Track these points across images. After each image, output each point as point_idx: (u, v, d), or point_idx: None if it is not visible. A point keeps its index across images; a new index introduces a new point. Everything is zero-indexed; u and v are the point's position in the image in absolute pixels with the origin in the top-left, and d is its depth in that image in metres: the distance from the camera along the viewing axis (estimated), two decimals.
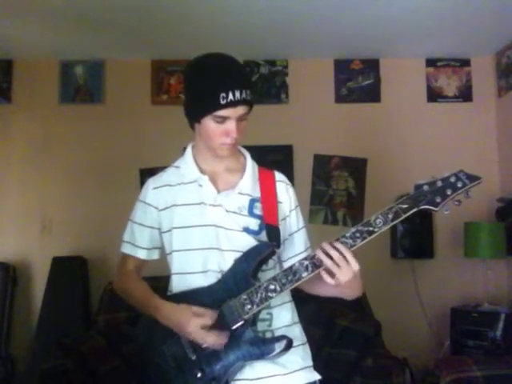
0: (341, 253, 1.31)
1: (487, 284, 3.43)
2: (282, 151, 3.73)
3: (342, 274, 1.30)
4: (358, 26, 3.32)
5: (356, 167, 3.84)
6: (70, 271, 3.52)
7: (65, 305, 3.43)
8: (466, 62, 3.94)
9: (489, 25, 3.33)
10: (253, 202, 1.49)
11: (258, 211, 1.48)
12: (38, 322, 3.44)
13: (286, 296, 1.50)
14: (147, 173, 3.72)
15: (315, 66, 3.90)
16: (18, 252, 3.67)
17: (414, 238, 3.59)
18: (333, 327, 2.94)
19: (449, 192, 1.37)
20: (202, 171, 1.51)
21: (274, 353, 1.34)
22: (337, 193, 3.83)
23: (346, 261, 1.30)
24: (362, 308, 3.26)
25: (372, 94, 3.91)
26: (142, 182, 3.99)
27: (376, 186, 3.79)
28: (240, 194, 1.49)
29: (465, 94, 3.93)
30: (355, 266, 1.31)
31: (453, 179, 1.38)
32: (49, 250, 3.61)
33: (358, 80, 3.92)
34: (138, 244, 1.57)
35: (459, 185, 1.37)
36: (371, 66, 3.92)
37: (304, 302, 1.57)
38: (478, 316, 3.27)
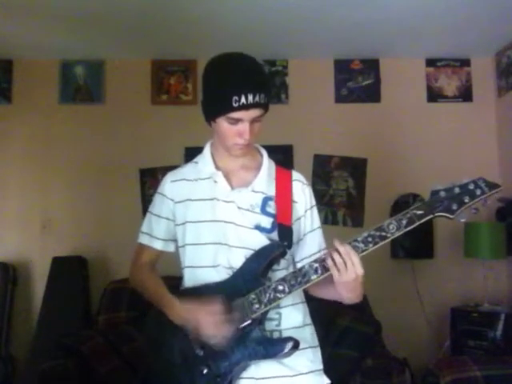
0: (348, 253, 1.31)
1: (487, 284, 3.43)
2: (282, 151, 3.73)
3: (346, 272, 1.30)
4: (358, 26, 3.32)
5: (356, 167, 3.84)
6: (69, 271, 3.52)
7: (65, 305, 3.42)
8: (466, 62, 3.94)
9: (489, 25, 3.33)
10: (266, 200, 1.49)
11: (271, 210, 1.48)
12: (38, 322, 3.44)
13: (298, 297, 1.50)
14: (147, 173, 3.73)
15: (315, 66, 3.90)
16: (18, 252, 3.67)
17: (414, 238, 3.58)
18: (333, 327, 2.94)
19: (466, 200, 1.34)
20: (218, 168, 1.53)
21: (280, 353, 1.34)
22: (337, 193, 3.83)
23: (352, 262, 1.30)
24: (362, 308, 3.26)
25: (372, 94, 3.91)
26: (142, 182, 4.03)
27: (376, 186, 3.79)
28: (253, 191, 1.49)
29: (465, 94, 3.93)
30: (359, 269, 1.31)
31: (471, 186, 1.35)
32: (49, 249, 3.61)
33: (358, 80, 3.92)
34: (154, 235, 1.59)
35: (478, 192, 1.34)
36: (371, 66, 3.92)
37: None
38: (478, 316, 3.27)
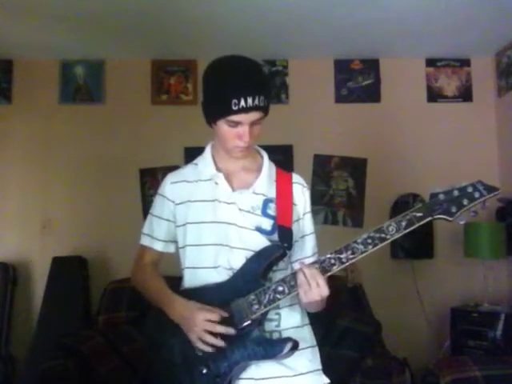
0: (314, 275, 1.34)
1: (487, 284, 3.43)
2: (282, 151, 3.73)
3: (310, 292, 1.34)
4: (358, 26, 3.32)
5: (356, 167, 3.84)
6: (69, 271, 3.52)
7: (65, 305, 3.42)
8: (466, 62, 3.94)
9: (489, 25, 3.33)
10: (267, 202, 1.50)
11: (271, 211, 1.49)
12: (38, 322, 3.44)
13: (296, 297, 1.50)
14: (147, 173, 3.73)
15: (315, 66, 3.90)
16: (18, 252, 3.67)
17: (414, 238, 3.57)
18: (333, 327, 2.94)
19: (465, 202, 1.37)
20: (219, 169, 1.54)
21: (280, 354, 1.35)
22: (337, 193, 3.83)
23: (317, 283, 1.33)
24: (362, 308, 3.26)
25: (372, 94, 3.91)
26: (142, 182, 4.03)
27: (376, 186, 3.79)
28: (254, 193, 1.50)
29: (465, 94, 3.93)
30: (324, 291, 1.34)
31: (470, 189, 1.37)
32: (49, 250, 3.61)
33: (358, 80, 3.92)
34: (155, 236, 1.60)
35: (476, 195, 1.37)
36: (371, 66, 3.92)
37: None
38: (478, 316, 3.27)
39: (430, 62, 3.94)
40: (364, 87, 3.92)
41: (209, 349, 1.37)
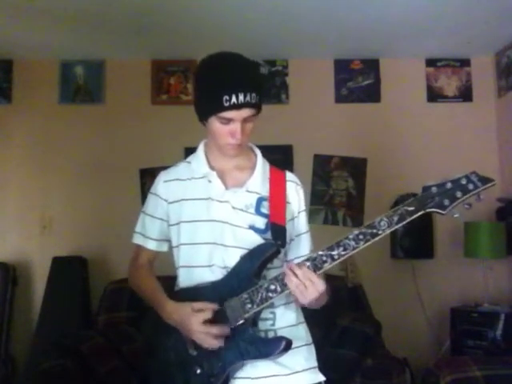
0: (305, 274, 1.32)
1: (487, 284, 3.43)
2: (282, 151, 3.73)
3: (307, 292, 1.32)
4: (357, 26, 3.32)
5: (356, 167, 3.84)
6: (69, 271, 3.52)
7: (65, 305, 3.42)
8: (466, 62, 3.94)
9: (489, 25, 3.33)
10: (260, 200, 1.49)
11: (265, 210, 1.48)
12: (38, 322, 3.44)
13: (290, 296, 1.49)
14: (147, 173, 3.73)
15: (315, 66, 3.90)
16: (18, 252, 3.67)
17: (414, 238, 3.58)
18: (333, 327, 2.94)
19: (458, 195, 1.33)
20: (212, 168, 1.53)
21: (273, 353, 1.34)
22: (337, 193, 3.83)
23: (311, 281, 1.31)
24: (362, 308, 3.26)
25: (372, 94, 3.91)
26: (142, 182, 4.03)
27: (376, 186, 3.79)
28: (248, 191, 1.50)
29: (465, 94, 3.93)
30: (320, 286, 1.32)
31: (464, 181, 1.33)
32: (49, 249, 3.61)
33: (358, 80, 3.92)
34: (148, 235, 1.59)
35: (470, 187, 1.32)
36: (371, 66, 3.92)
37: None
38: (478, 316, 3.27)
39: (430, 62, 3.94)
40: (364, 87, 3.92)
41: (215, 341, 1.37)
